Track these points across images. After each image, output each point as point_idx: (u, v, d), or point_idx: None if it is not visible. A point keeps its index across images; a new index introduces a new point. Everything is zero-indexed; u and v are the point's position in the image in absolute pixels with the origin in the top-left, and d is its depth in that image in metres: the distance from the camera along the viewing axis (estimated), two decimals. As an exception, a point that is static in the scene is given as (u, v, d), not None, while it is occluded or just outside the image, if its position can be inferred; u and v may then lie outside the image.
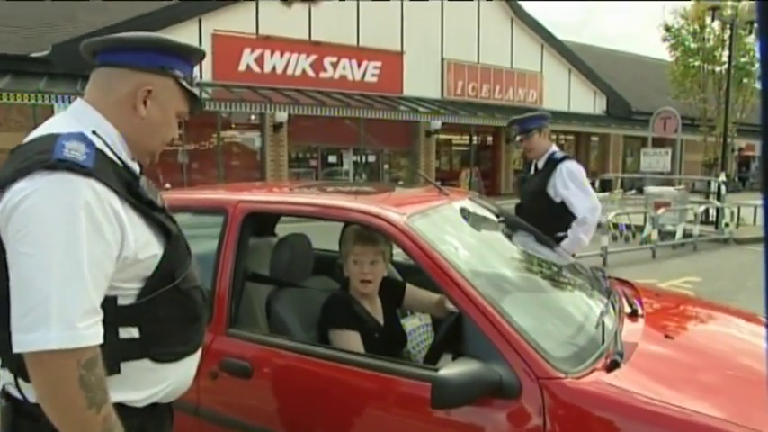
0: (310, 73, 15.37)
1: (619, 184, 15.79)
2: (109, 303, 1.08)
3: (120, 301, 1.12)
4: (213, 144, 14.84)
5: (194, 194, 2.24)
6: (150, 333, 1.15)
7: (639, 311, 2.10)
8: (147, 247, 1.13)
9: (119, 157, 1.14)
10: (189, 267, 1.24)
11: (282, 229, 2.80)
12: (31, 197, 0.98)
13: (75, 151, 1.03)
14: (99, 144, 1.10)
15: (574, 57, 20.80)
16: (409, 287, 2.35)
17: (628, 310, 2.10)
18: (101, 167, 1.06)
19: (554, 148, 3.53)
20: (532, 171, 3.59)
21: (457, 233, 2.08)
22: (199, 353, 1.34)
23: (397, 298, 2.32)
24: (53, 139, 1.05)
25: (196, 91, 1.28)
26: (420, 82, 17.23)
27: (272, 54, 14.66)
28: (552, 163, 3.41)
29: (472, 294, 1.67)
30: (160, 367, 1.18)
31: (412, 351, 2.79)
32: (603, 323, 1.80)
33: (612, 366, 1.59)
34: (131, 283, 1.13)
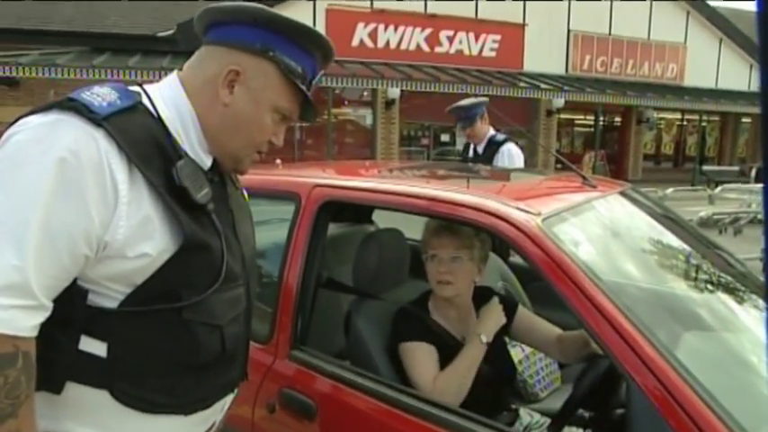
0: (425, 47, 14.76)
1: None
2: (75, 296, 0.84)
3: (93, 299, 0.85)
4: (325, 120, 14.84)
5: (263, 175, 1.79)
6: (120, 358, 0.86)
7: None
8: (140, 242, 0.84)
9: (170, 134, 0.90)
10: (210, 295, 0.90)
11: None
12: (20, 133, 0.81)
13: (98, 96, 0.85)
14: (146, 102, 0.90)
15: (727, 24, 18.12)
16: (522, 310, 1.74)
17: None
18: (124, 123, 0.84)
19: (492, 131, 3.69)
20: (470, 154, 3.72)
21: (613, 244, 1.44)
22: (198, 419, 0.96)
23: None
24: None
25: (303, 86, 0.97)
26: (542, 56, 15.92)
27: (385, 28, 14.23)
28: (494, 145, 3.59)
29: (641, 346, 1.06)
30: (120, 411, 0.87)
31: (528, 380, 2.21)
32: None
33: None
34: (114, 283, 0.86)
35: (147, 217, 0.85)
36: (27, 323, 0.77)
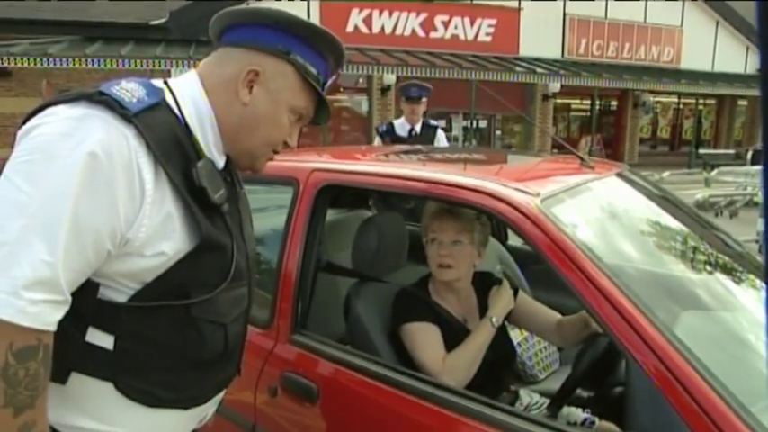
0: (420, 33, 14.63)
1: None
2: (86, 289, 0.84)
3: (103, 293, 0.86)
4: (321, 108, 14.78)
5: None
6: (126, 352, 0.87)
7: None
8: (158, 241, 0.85)
9: (190, 131, 0.90)
10: (219, 293, 0.93)
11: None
12: (49, 125, 0.80)
13: (127, 92, 0.84)
14: (183, 101, 0.91)
15: (723, 6, 18.01)
16: (522, 296, 1.75)
17: None
18: (151, 121, 0.84)
19: None
20: (404, 134, 4.06)
21: (613, 225, 1.45)
22: (194, 413, 0.97)
23: None
24: (119, 80, 0.88)
25: (319, 86, 1.00)
26: (538, 41, 15.79)
27: (380, 14, 14.10)
28: (431, 128, 4.15)
29: (642, 325, 1.06)
30: (123, 403, 0.89)
31: (527, 362, 2.23)
32: None
33: None
34: (126, 278, 0.87)
35: (168, 216, 0.86)
36: (52, 318, 0.78)
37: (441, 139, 4.25)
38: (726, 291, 1.47)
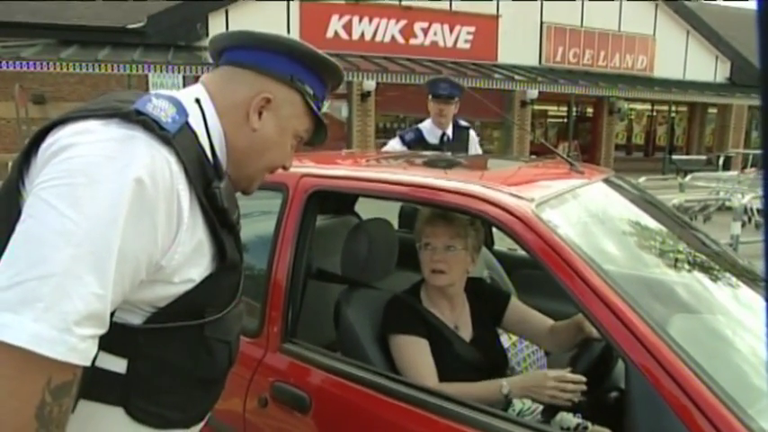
0: (400, 39, 14.72)
1: (742, 161, 13.90)
2: None
3: (118, 315, 0.81)
4: (301, 114, 14.72)
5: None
6: (139, 375, 0.83)
7: None
8: (188, 269, 0.84)
9: (214, 152, 0.89)
10: (228, 312, 0.93)
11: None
12: (86, 145, 0.74)
13: (162, 110, 0.81)
14: (194, 119, 0.87)
15: (694, 17, 18.52)
16: (515, 302, 1.75)
17: None
18: (183, 142, 0.82)
19: None
20: (435, 141, 3.37)
21: (608, 229, 1.45)
22: (194, 429, 0.96)
23: (496, 311, 1.73)
24: (143, 94, 0.85)
25: (323, 115, 1.03)
26: (516, 48, 16.02)
27: (360, 20, 14.14)
28: (463, 130, 3.51)
29: (641, 330, 1.06)
30: (131, 427, 0.85)
31: (516, 368, 2.22)
32: None
33: None
34: (145, 304, 0.84)
35: (200, 242, 0.85)
36: (95, 351, 0.73)
37: (474, 143, 3.58)
38: (719, 294, 1.48)
